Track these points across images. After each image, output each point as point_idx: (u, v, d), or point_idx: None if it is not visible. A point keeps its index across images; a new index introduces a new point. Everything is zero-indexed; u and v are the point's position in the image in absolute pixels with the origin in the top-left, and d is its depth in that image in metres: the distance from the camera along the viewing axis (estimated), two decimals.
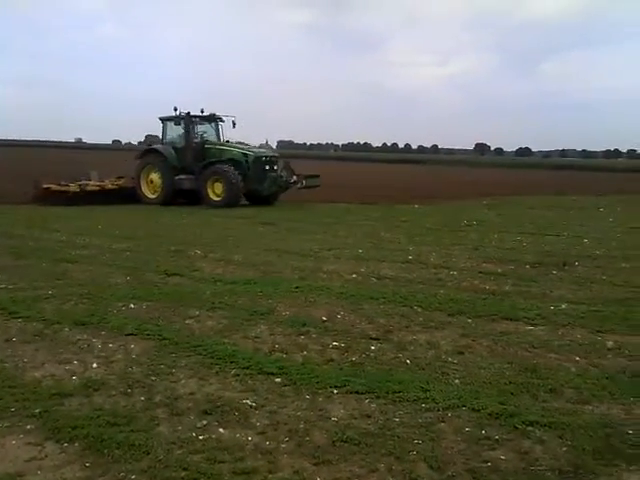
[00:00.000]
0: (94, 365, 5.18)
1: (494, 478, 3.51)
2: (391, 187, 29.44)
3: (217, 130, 22.20)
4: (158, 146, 21.75)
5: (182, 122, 21.11)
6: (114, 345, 5.68)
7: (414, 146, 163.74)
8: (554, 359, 5.46)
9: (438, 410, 4.35)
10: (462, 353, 5.58)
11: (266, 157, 20.97)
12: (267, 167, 20.51)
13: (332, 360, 5.35)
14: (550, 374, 5.06)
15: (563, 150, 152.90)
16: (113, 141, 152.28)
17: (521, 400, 4.54)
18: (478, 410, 4.32)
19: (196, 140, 21.22)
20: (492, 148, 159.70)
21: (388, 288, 8.06)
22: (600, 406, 4.47)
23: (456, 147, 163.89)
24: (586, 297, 7.70)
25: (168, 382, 4.83)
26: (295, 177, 20.95)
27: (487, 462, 3.66)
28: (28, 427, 4.02)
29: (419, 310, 6.98)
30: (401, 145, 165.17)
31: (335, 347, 5.69)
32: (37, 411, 4.23)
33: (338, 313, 6.81)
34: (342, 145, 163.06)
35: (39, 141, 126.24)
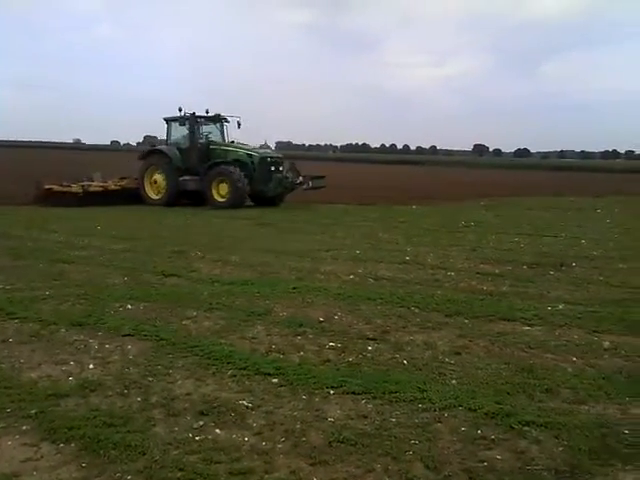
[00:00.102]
0: (91, 366, 5.18)
1: (490, 478, 3.51)
2: (389, 188, 29.46)
3: (222, 131, 22.07)
4: (162, 147, 21.63)
5: (187, 123, 20.97)
6: (111, 346, 5.67)
7: (412, 147, 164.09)
8: (551, 359, 5.46)
9: (435, 410, 4.35)
10: (459, 353, 5.58)
11: (271, 158, 20.88)
12: (273, 168, 20.39)
13: (329, 361, 5.36)
14: (546, 374, 5.06)
15: (561, 151, 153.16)
16: (112, 142, 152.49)
17: (517, 400, 4.54)
18: (474, 410, 4.33)
19: (201, 141, 21.09)
20: (490, 149, 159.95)
21: (385, 289, 8.06)
22: (596, 406, 4.47)
23: (455, 148, 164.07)
24: (583, 298, 7.71)
25: (165, 383, 4.83)
26: (301, 178, 20.83)
27: (483, 462, 3.67)
28: (24, 428, 4.02)
29: (416, 311, 6.99)
30: (399, 146, 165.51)
31: (332, 348, 5.69)
32: (33, 412, 4.22)
33: (335, 314, 6.81)
34: (341, 146, 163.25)
35: (37, 142, 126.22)
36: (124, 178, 22.11)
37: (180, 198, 20.92)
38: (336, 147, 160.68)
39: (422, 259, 10.41)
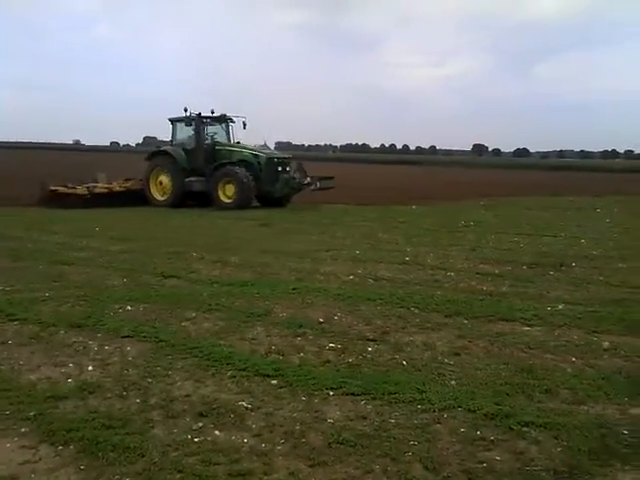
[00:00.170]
0: (90, 367, 5.17)
1: (489, 479, 3.51)
2: (389, 188, 29.45)
3: (227, 131, 21.92)
4: (168, 148, 21.46)
5: (193, 123, 20.79)
6: (110, 347, 5.67)
7: (412, 147, 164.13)
8: (550, 360, 5.46)
9: (434, 411, 4.34)
10: (458, 354, 5.58)
11: (278, 158, 20.74)
12: (279, 168, 20.24)
13: (329, 362, 5.35)
14: (546, 375, 5.06)
15: (561, 151, 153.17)
16: (111, 143, 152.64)
17: (517, 401, 4.54)
18: (474, 411, 4.32)
19: (207, 141, 20.98)
20: (490, 149, 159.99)
21: (385, 289, 8.06)
22: (595, 406, 4.47)
23: (454, 148, 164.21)
24: (583, 298, 7.71)
25: (164, 384, 4.83)
26: (309, 179, 20.68)
27: (482, 463, 3.67)
28: (23, 430, 4.01)
29: (416, 311, 6.98)
30: (399, 146, 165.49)
31: (332, 349, 5.69)
32: (32, 414, 4.22)
33: (335, 314, 6.81)
34: (340, 146, 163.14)
35: (37, 143, 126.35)
36: (129, 179, 22.03)
37: (186, 199, 20.85)
38: (336, 147, 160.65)
39: (422, 259, 10.41)
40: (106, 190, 20.55)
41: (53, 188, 19.91)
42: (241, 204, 19.36)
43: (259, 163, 20.08)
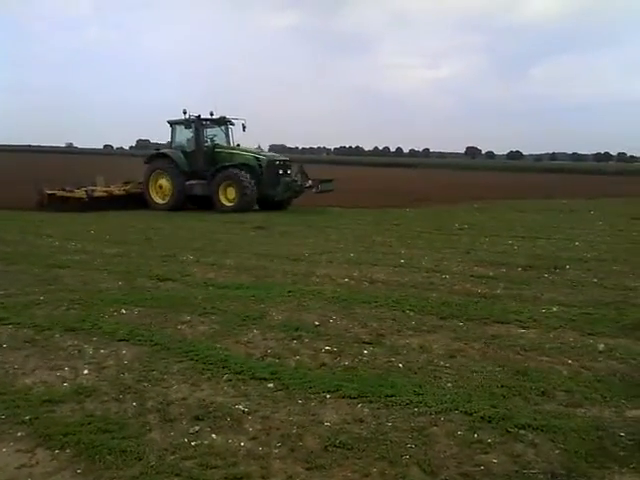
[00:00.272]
0: (85, 371, 5.15)
1: None
2: (383, 191, 29.52)
3: (227, 134, 21.78)
4: (167, 150, 21.29)
5: (192, 125, 20.67)
6: (105, 351, 5.65)
7: (405, 150, 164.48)
8: (546, 362, 5.47)
9: (431, 414, 4.35)
10: (454, 356, 5.58)
11: (279, 161, 20.64)
12: (280, 171, 20.19)
13: (325, 365, 5.35)
14: (542, 377, 5.07)
15: (553, 153, 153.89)
16: (104, 146, 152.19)
17: (513, 403, 4.54)
18: (470, 414, 4.32)
19: (206, 144, 20.84)
20: (483, 152, 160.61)
21: (380, 292, 8.07)
22: (592, 409, 4.48)
23: (447, 150, 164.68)
24: (577, 300, 7.73)
25: (160, 388, 4.81)
26: (310, 182, 20.57)
27: (480, 466, 3.67)
28: (19, 434, 3.99)
29: (411, 314, 6.99)
30: (392, 149, 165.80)
31: (328, 351, 5.68)
32: (28, 418, 4.20)
33: (330, 317, 6.80)
34: (334, 149, 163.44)
35: (29, 146, 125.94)
36: (128, 182, 21.91)
37: (186, 202, 20.73)
38: (329, 150, 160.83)
39: (416, 262, 10.41)
40: (105, 194, 20.43)
41: (50, 192, 19.79)
42: (242, 207, 19.28)
43: (260, 166, 19.99)
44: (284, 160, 21.20)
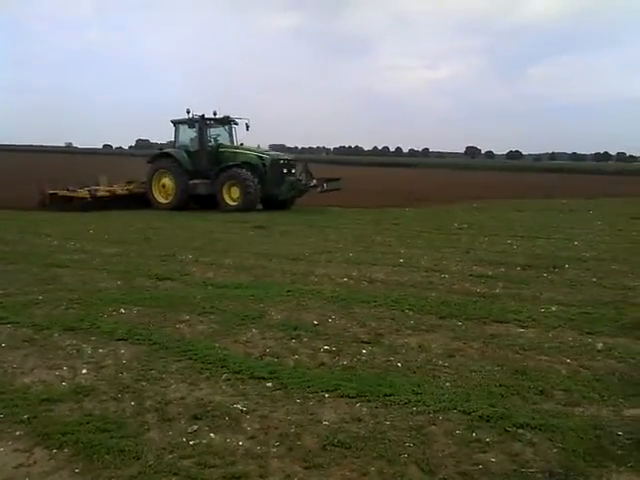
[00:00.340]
0: (84, 370, 5.15)
1: None
2: (382, 190, 29.50)
3: (231, 133, 21.72)
4: (171, 150, 21.23)
5: (196, 125, 20.63)
6: (104, 350, 5.64)
7: (405, 149, 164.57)
8: (544, 361, 5.47)
9: (429, 413, 4.35)
10: (453, 356, 5.58)
11: (283, 161, 20.58)
12: (285, 171, 20.14)
13: (323, 364, 5.35)
14: (540, 376, 5.07)
15: (553, 153, 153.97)
16: (104, 145, 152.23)
17: (511, 402, 4.55)
18: (469, 413, 4.32)
19: (210, 143, 20.82)
20: (483, 151, 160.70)
21: (379, 291, 8.06)
22: (590, 408, 4.48)
23: (447, 150, 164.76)
24: (576, 299, 7.73)
25: (158, 387, 4.81)
26: (315, 181, 20.50)
27: (478, 465, 3.67)
28: (17, 433, 3.99)
29: (410, 313, 6.99)
30: (392, 149, 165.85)
31: (326, 351, 5.68)
32: (26, 417, 4.20)
33: (329, 317, 6.80)
34: (334, 149, 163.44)
35: (29, 146, 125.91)
36: (131, 182, 21.88)
37: (189, 202, 20.69)
38: (329, 150, 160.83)
39: (415, 261, 10.41)
40: (108, 193, 20.39)
41: (52, 191, 19.76)
42: (246, 207, 19.25)
43: (264, 165, 19.94)
44: (288, 159, 21.13)
